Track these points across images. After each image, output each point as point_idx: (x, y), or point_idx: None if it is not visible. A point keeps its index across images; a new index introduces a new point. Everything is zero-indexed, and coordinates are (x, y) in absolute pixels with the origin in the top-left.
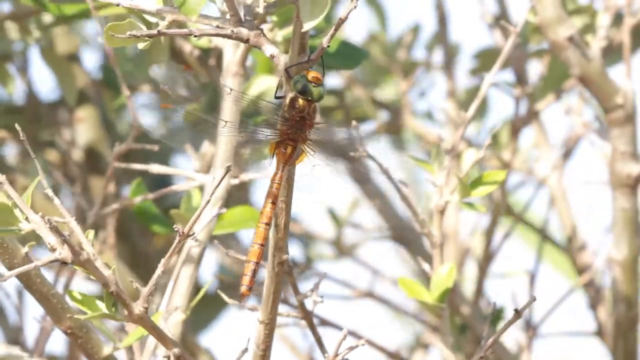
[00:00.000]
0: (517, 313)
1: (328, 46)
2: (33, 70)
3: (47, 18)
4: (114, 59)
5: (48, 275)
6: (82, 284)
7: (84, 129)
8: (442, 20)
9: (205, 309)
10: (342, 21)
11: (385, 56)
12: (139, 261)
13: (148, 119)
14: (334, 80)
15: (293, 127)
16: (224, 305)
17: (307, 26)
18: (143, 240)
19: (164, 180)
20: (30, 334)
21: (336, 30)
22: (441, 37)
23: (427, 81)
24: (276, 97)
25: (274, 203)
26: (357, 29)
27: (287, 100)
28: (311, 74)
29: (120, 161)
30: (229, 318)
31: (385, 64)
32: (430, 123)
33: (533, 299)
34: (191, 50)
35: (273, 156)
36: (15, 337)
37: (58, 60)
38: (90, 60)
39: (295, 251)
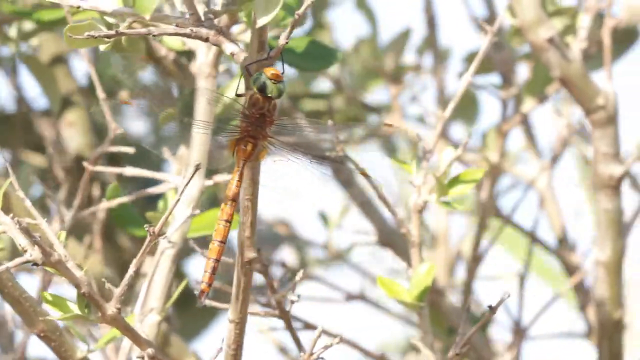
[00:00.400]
0: (492, 309)
1: (286, 43)
2: (23, 76)
3: (29, 25)
4: (89, 62)
5: (31, 280)
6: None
7: (73, 133)
8: (432, 23)
9: (197, 317)
10: (299, 17)
11: (375, 60)
12: (127, 266)
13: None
14: (322, 84)
15: (253, 124)
16: (216, 313)
17: (261, 22)
18: (131, 244)
19: (152, 186)
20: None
21: (293, 26)
22: (431, 40)
23: (417, 85)
24: (237, 95)
25: (234, 200)
26: (346, 33)
27: (247, 98)
28: (270, 71)
29: (102, 165)
30: (221, 324)
31: (374, 68)
32: (421, 127)
33: (507, 296)
34: (166, 53)
35: (233, 154)
36: (7, 343)
37: (41, 67)
38: (79, 65)
39: (287, 255)
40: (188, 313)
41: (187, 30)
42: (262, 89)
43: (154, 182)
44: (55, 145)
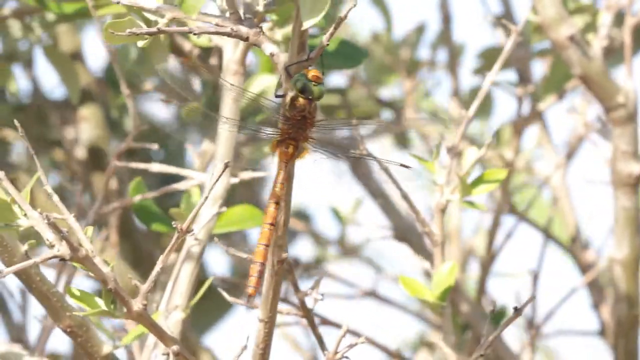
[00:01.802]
0: (517, 311)
1: (327, 45)
2: (39, 69)
3: (50, 16)
4: (115, 57)
5: (50, 274)
6: (85, 283)
7: (87, 127)
8: (446, 20)
9: (210, 310)
10: (341, 20)
11: (390, 55)
12: (143, 260)
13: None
14: (337, 79)
15: (294, 127)
16: (229, 306)
17: (307, 24)
18: (147, 239)
19: (169, 180)
20: (34, 333)
21: (336, 28)
22: (445, 36)
23: (431, 81)
24: (276, 96)
25: (277, 203)
26: (362, 28)
27: (288, 99)
28: (311, 73)
29: (123, 160)
30: (234, 319)
31: (389, 63)
32: (438, 124)
33: (533, 297)
34: (191, 49)
35: (274, 155)
36: (18, 336)
37: (61, 59)
38: (95, 59)
39: (300, 251)
40: (200, 308)
41: (228, 29)
42: (303, 91)
43: (172, 178)
44: (71, 139)
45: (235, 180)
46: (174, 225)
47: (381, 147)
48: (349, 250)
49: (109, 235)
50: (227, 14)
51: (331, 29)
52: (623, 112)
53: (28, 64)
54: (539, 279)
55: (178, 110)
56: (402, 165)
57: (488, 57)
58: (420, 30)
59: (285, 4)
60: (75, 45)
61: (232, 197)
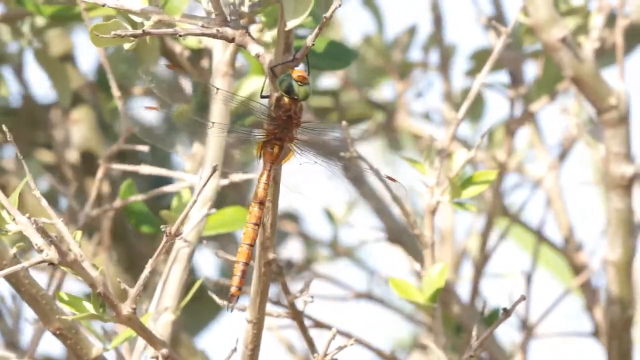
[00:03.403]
0: (507, 312)
1: (313, 45)
2: (29, 72)
3: (40, 20)
4: (105, 60)
5: (41, 277)
6: (77, 286)
7: (79, 130)
8: (438, 21)
9: (202, 311)
10: (326, 19)
11: (381, 57)
12: (136, 263)
13: (141, 121)
14: (329, 80)
15: (280, 127)
16: (220, 307)
17: (291, 24)
18: (140, 241)
19: (161, 182)
20: (26, 336)
21: (320, 29)
22: (437, 38)
23: (423, 82)
24: (262, 97)
25: (261, 203)
26: (353, 29)
27: (273, 100)
28: (297, 73)
29: (114, 162)
30: (226, 319)
31: (381, 64)
32: (426, 124)
33: (522, 298)
34: (181, 51)
35: (260, 156)
36: (11, 339)
37: (52, 62)
38: (86, 62)
39: (292, 252)
40: (191, 309)
41: (213, 31)
42: (289, 91)
43: (163, 179)
44: (62, 141)
45: (225, 182)
46: (163, 229)
47: (373, 150)
48: (341, 252)
49: (102, 238)
50: (213, 16)
51: (316, 29)
52: (615, 113)
53: (18, 67)
54: (532, 280)
55: (164, 115)
56: (388, 177)
57: (480, 59)
58: (411, 31)
59: (271, 5)
60: (66, 48)
61: (223, 200)
